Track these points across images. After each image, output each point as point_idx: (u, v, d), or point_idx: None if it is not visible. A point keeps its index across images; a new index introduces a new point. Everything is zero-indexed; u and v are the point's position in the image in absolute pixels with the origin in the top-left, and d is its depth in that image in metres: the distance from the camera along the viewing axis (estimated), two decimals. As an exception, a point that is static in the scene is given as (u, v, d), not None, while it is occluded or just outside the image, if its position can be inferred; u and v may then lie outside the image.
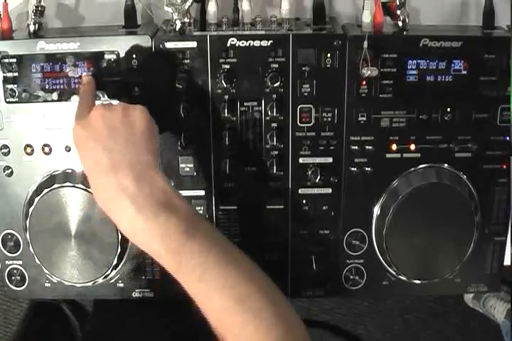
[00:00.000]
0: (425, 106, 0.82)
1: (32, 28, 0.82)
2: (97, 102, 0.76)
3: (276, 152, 0.84)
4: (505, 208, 0.87)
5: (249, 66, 0.80)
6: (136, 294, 0.89)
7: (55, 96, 0.81)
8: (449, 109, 0.82)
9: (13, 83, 0.81)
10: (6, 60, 0.80)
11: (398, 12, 0.82)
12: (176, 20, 0.79)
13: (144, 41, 0.80)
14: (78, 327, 1.46)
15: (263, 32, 0.81)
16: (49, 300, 1.43)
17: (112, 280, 0.87)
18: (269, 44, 0.79)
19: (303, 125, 0.83)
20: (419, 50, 0.80)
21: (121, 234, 0.81)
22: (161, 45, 0.79)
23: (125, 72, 0.80)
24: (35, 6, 0.82)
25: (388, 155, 0.84)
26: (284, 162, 0.84)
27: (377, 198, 0.85)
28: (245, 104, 0.82)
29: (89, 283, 0.84)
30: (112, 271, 0.84)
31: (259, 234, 0.86)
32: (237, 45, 0.79)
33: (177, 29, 0.80)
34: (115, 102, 0.76)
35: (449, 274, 0.87)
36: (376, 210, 0.86)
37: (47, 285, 0.88)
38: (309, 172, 0.84)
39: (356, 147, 0.84)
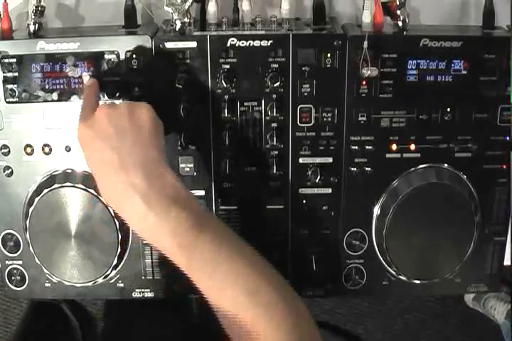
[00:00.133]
0: (425, 106, 0.82)
1: (32, 28, 0.82)
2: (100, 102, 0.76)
3: (276, 152, 0.84)
4: (505, 208, 0.87)
5: (249, 66, 0.80)
6: (136, 294, 0.89)
7: (55, 96, 0.81)
8: (449, 109, 0.82)
9: (13, 83, 0.81)
10: (6, 60, 0.80)
11: (398, 12, 0.82)
12: (175, 20, 0.79)
13: (144, 41, 0.80)
14: (78, 327, 1.46)
15: (263, 32, 0.81)
16: (49, 300, 1.43)
17: (112, 280, 0.87)
18: (269, 44, 0.79)
19: (303, 125, 0.83)
20: (419, 50, 0.80)
21: (121, 233, 0.82)
22: (161, 45, 0.79)
23: (125, 72, 0.80)
24: (35, 6, 0.82)
25: (388, 155, 0.84)
26: (284, 162, 0.84)
27: (377, 198, 0.85)
28: (245, 104, 0.82)
29: (89, 283, 0.84)
30: (112, 271, 0.84)
31: (259, 234, 0.86)
32: (237, 45, 0.79)
33: (177, 29, 0.80)
34: (117, 102, 0.76)
35: (449, 274, 0.87)
36: (376, 210, 0.86)
37: (47, 285, 0.88)
38: (309, 172, 0.84)
39: (356, 147, 0.84)
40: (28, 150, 0.83)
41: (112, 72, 0.80)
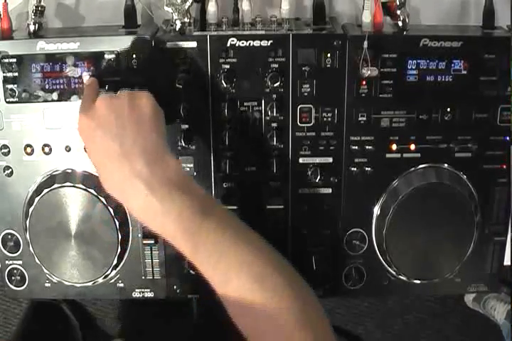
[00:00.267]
0: (425, 106, 0.82)
1: (32, 28, 0.82)
2: None
3: (276, 152, 0.84)
4: (505, 208, 0.87)
5: (249, 66, 0.80)
6: (136, 294, 0.89)
7: (55, 96, 0.81)
8: (449, 109, 0.82)
9: (13, 83, 0.81)
10: (6, 60, 0.80)
11: (398, 12, 0.82)
12: (176, 20, 0.79)
13: (144, 41, 0.80)
14: (78, 327, 1.46)
15: (263, 32, 0.81)
16: (49, 300, 1.43)
17: (112, 280, 0.87)
18: (269, 44, 0.79)
19: (303, 125, 0.83)
20: (419, 50, 0.80)
21: (121, 233, 0.82)
22: (161, 45, 0.79)
23: (125, 72, 0.80)
24: (35, 6, 0.82)
25: (388, 155, 0.84)
26: (284, 162, 0.84)
27: (377, 198, 0.85)
28: (245, 104, 0.82)
29: (89, 283, 0.84)
30: (112, 271, 0.84)
31: (259, 234, 0.86)
32: (237, 45, 0.79)
33: (177, 29, 0.80)
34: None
35: (449, 274, 0.87)
36: (376, 210, 0.86)
37: (47, 285, 0.88)
38: (309, 173, 0.84)
39: (356, 147, 0.84)
40: (28, 150, 0.83)
41: (111, 72, 0.80)
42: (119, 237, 0.82)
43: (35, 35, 0.82)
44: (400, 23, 0.82)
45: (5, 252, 0.87)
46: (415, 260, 0.86)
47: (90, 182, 0.81)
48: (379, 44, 0.79)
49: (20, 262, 0.87)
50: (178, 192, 0.66)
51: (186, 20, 0.79)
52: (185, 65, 0.80)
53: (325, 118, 0.83)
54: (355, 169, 0.84)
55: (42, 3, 0.82)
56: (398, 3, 0.81)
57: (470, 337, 1.68)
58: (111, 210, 0.81)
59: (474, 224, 0.85)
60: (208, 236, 0.65)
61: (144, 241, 0.85)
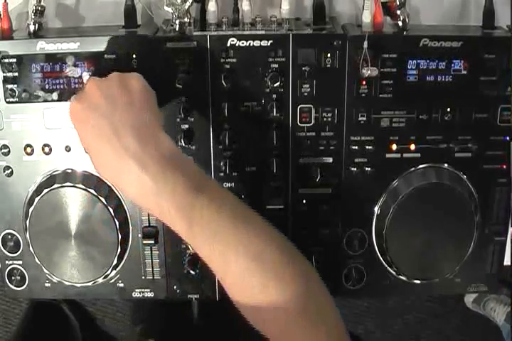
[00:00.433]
0: (425, 106, 0.82)
1: (32, 28, 0.82)
2: None
3: (276, 152, 0.84)
4: (505, 208, 0.87)
5: (249, 66, 0.80)
6: (136, 294, 0.88)
7: (55, 96, 0.81)
8: (449, 109, 0.82)
9: (13, 83, 0.81)
10: (6, 60, 0.80)
11: (398, 12, 0.82)
12: (175, 20, 0.79)
13: (144, 41, 0.79)
14: (78, 327, 1.46)
15: (263, 32, 0.81)
16: (49, 300, 1.43)
17: (112, 280, 0.87)
18: (269, 44, 0.79)
19: (303, 125, 0.83)
20: (419, 50, 0.80)
21: (121, 233, 0.82)
22: (161, 45, 0.79)
23: (125, 72, 0.80)
24: (35, 6, 0.82)
25: (388, 155, 0.84)
26: (284, 162, 0.84)
27: (377, 198, 0.85)
28: (245, 104, 0.82)
29: (89, 283, 0.84)
30: (111, 271, 0.84)
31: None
32: (237, 45, 0.79)
33: (177, 29, 0.80)
34: None
35: (449, 274, 0.87)
36: (376, 210, 0.86)
37: (47, 285, 0.88)
38: (309, 173, 0.84)
39: (356, 147, 0.84)
40: (28, 150, 0.83)
41: (111, 72, 0.80)
42: (119, 237, 0.81)
43: (35, 35, 0.82)
44: (400, 23, 0.82)
45: (5, 252, 0.87)
46: (415, 260, 0.86)
47: (90, 182, 0.81)
48: (379, 44, 0.79)
49: (20, 262, 0.87)
50: (171, 168, 0.64)
51: (186, 20, 0.79)
52: (185, 65, 0.80)
53: (325, 118, 0.83)
54: (355, 169, 0.84)
55: (42, 3, 0.82)
56: (398, 3, 0.81)
57: (470, 337, 1.68)
58: (111, 210, 0.81)
59: (474, 224, 0.84)
60: (203, 212, 0.63)
61: (144, 241, 0.85)
